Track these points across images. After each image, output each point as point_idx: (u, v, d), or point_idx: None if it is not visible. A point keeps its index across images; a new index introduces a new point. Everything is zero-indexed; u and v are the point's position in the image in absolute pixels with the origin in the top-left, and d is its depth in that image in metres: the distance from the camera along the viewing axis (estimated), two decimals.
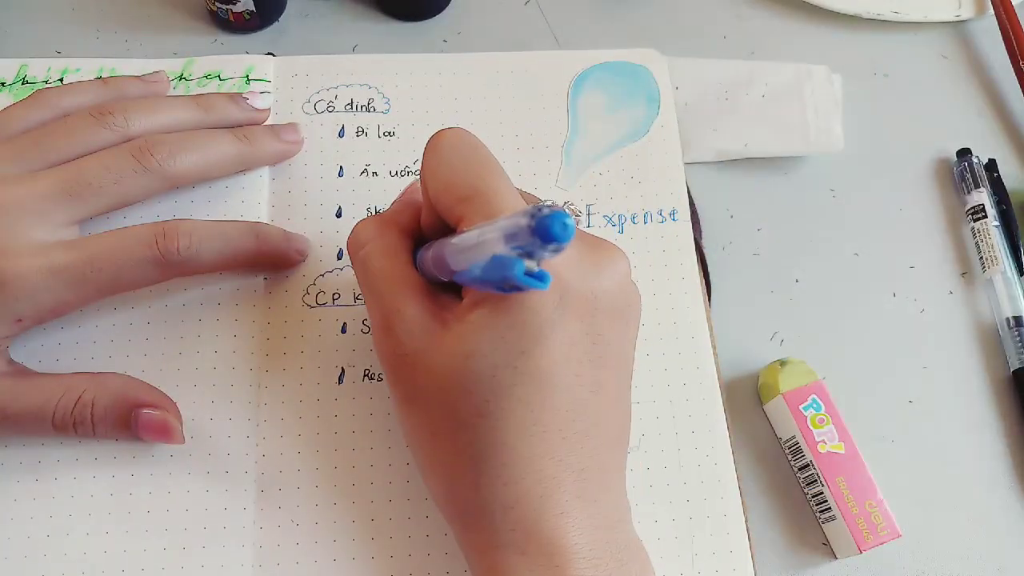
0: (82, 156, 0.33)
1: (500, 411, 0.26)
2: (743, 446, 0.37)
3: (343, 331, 0.36)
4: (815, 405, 0.36)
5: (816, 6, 0.47)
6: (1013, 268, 0.41)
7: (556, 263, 0.25)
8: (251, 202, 0.37)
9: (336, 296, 0.36)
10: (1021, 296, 0.41)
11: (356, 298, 0.36)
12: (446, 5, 0.45)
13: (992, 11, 0.48)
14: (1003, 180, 0.43)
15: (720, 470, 0.35)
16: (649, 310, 0.37)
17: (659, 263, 0.38)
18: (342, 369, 0.35)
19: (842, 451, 0.35)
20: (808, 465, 0.35)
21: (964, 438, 0.39)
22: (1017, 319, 0.40)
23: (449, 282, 0.27)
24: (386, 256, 0.29)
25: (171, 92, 0.40)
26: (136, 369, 0.34)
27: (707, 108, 0.43)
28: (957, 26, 0.49)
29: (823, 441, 0.35)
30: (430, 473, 0.29)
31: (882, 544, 0.34)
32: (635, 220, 0.39)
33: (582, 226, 0.39)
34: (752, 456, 0.37)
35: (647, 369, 0.36)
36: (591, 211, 0.39)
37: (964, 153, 0.44)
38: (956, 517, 0.37)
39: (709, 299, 0.39)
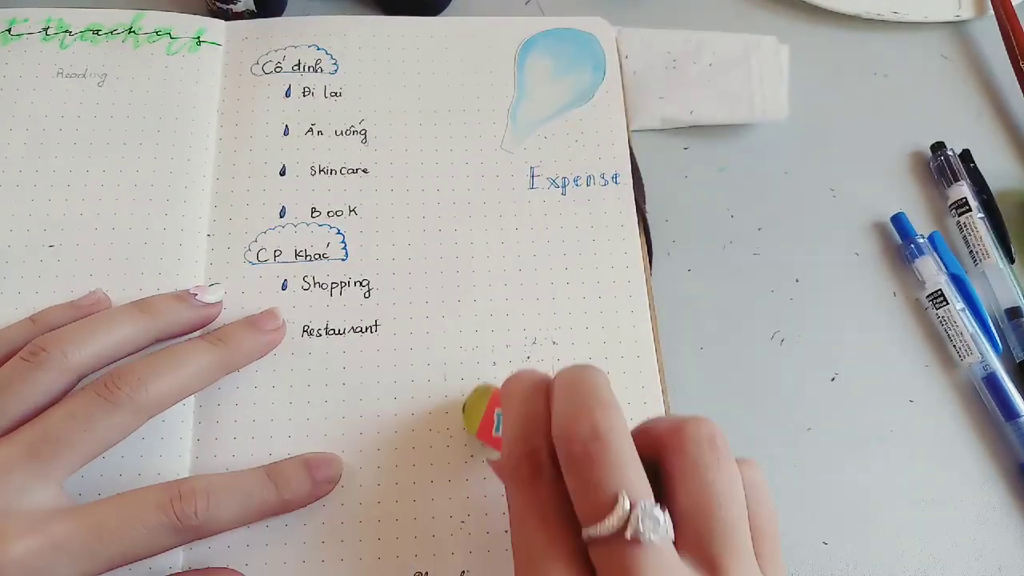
0: (39, 408, 0.29)
1: None
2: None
3: (283, 288, 0.36)
4: None
5: (816, 6, 0.47)
6: (1004, 259, 0.41)
7: None
8: (197, 160, 0.38)
9: (277, 253, 0.37)
10: (1015, 286, 0.40)
11: (296, 255, 0.37)
12: (447, 4, 0.44)
13: (992, 11, 0.47)
14: (980, 171, 0.43)
15: None
16: (589, 269, 0.37)
17: (601, 224, 0.38)
18: None
19: None
20: None
21: (967, 436, 0.38)
22: (1015, 310, 0.40)
23: None
24: None
25: (120, 46, 0.39)
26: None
27: (655, 77, 0.43)
28: (957, 26, 0.48)
29: None
30: None
31: None
32: (578, 183, 0.39)
33: (526, 188, 0.39)
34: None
35: (584, 326, 0.36)
36: (535, 173, 0.39)
37: (939, 147, 0.43)
38: (957, 517, 0.36)
39: (650, 263, 0.39)
